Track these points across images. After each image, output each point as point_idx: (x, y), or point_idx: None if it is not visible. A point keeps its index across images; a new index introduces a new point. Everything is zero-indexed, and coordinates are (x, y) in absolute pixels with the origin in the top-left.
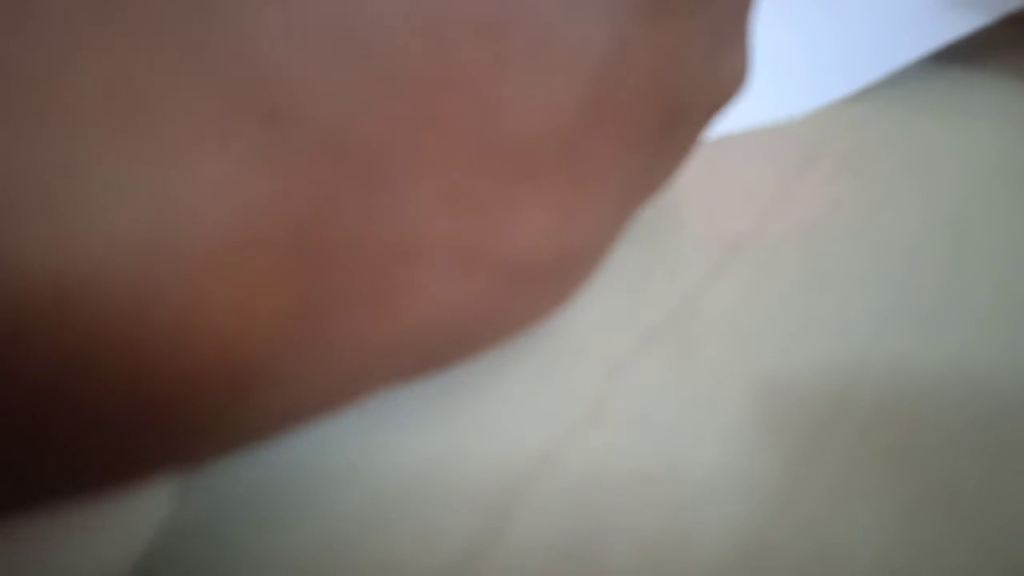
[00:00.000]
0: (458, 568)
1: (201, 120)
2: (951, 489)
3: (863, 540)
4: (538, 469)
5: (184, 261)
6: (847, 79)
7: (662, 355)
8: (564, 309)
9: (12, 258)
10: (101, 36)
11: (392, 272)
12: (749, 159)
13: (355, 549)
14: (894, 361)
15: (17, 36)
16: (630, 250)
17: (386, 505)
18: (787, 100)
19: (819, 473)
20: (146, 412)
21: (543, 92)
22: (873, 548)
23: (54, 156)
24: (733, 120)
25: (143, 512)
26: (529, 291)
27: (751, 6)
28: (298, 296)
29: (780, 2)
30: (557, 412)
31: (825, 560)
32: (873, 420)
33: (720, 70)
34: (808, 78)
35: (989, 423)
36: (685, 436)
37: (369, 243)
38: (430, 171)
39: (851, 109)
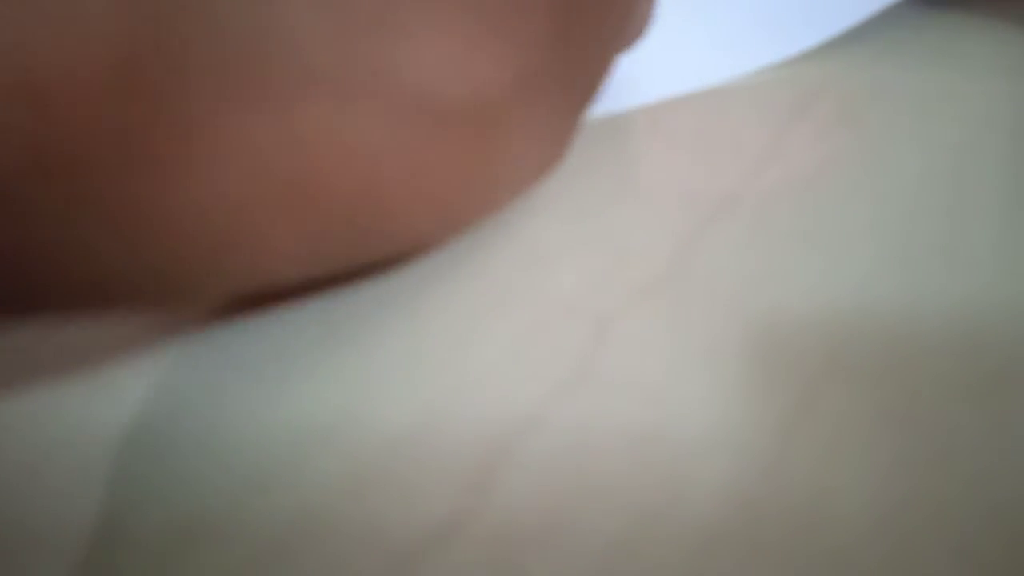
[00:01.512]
0: (440, 535)
1: None
2: (947, 445)
3: (858, 498)
4: (523, 431)
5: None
6: (835, 18)
7: (651, 312)
8: (502, 201)
9: None
10: None
11: (281, 104)
12: (738, 111)
13: (333, 517)
14: (890, 315)
15: None
16: (616, 205)
17: (365, 471)
18: (776, 43)
19: (812, 430)
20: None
21: None
22: (868, 506)
23: None
24: (721, 68)
25: (127, 382)
26: (445, 141)
27: None
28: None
29: None
30: (542, 372)
31: (818, 518)
32: (868, 375)
33: None
34: (794, 18)
35: (987, 377)
36: (675, 395)
37: (250, 67)
38: None
39: (843, 57)
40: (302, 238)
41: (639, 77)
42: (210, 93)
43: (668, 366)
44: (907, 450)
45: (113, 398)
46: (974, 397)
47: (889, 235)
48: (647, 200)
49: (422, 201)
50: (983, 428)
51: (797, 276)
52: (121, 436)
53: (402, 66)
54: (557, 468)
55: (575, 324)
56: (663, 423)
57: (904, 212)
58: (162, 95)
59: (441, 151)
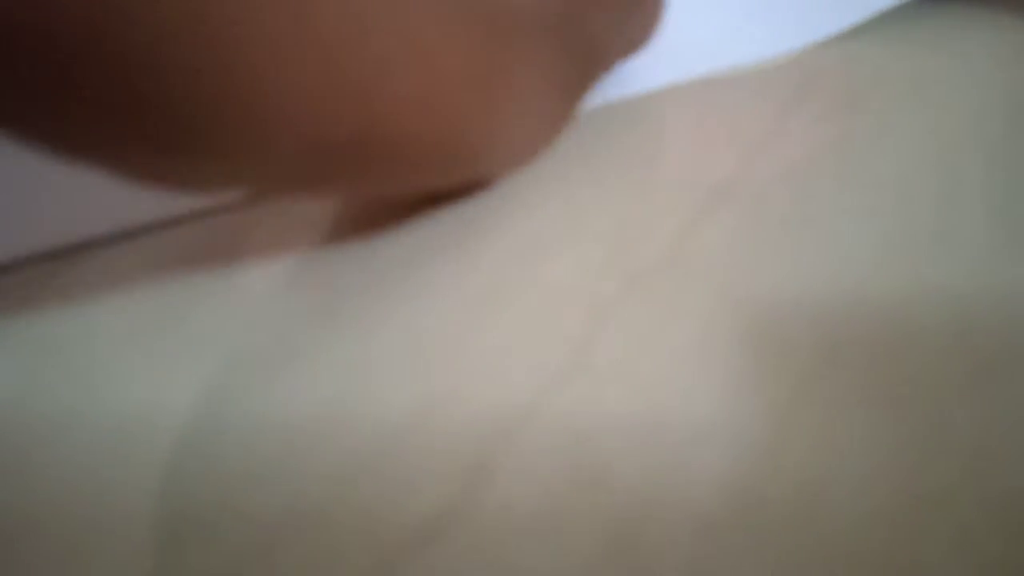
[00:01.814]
0: (435, 526)
1: None
2: (941, 431)
3: (853, 486)
4: (519, 421)
5: None
6: (838, 16)
7: (647, 301)
8: (546, 144)
9: None
10: None
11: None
12: (736, 100)
13: (327, 508)
14: (885, 303)
15: None
16: (613, 194)
17: (359, 462)
18: (777, 37)
19: (808, 418)
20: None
21: None
22: (863, 494)
23: None
24: (721, 58)
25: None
26: (505, 55)
27: None
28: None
29: None
30: (538, 362)
31: (815, 506)
32: (864, 362)
33: None
34: (798, 15)
35: (981, 363)
36: (671, 384)
37: None
38: None
39: (840, 46)
40: (391, 160)
41: (640, 65)
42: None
43: (664, 355)
44: (902, 437)
45: (106, 391)
46: (968, 384)
47: (885, 223)
48: (644, 188)
49: (487, 125)
50: (977, 415)
51: (793, 264)
52: (112, 428)
53: None
54: (552, 458)
55: (570, 313)
56: (659, 412)
57: (901, 200)
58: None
59: (501, 60)
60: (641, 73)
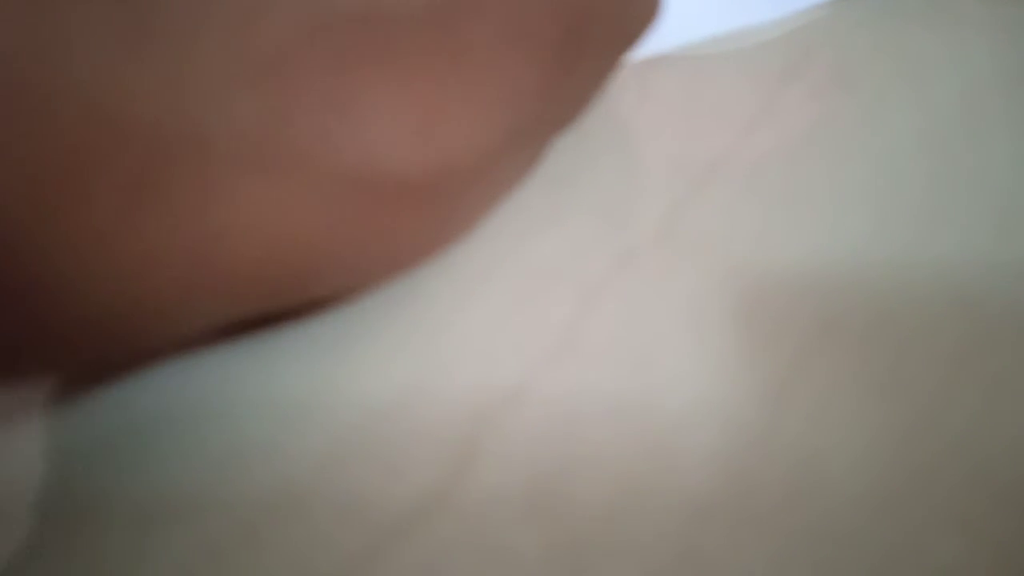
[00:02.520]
0: (423, 509)
1: None
2: (936, 408)
3: (847, 464)
4: (507, 402)
5: None
6: None
7: (637, 279)
8: (459, 239)
9: None
10: None
11: (199, 200)
12: (726, 77)
13: (313, 491)
14: (880, 279)
15: None
16: (602, 170)
17: (346, 444)
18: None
19: (802, 396)
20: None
21: None
22: (857, 472)
23: None
24: (709, 27)
25: (32, 440)
26: (395, 217)
27: None
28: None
29: None
30: (526, 341)
31: (808, 485)
32: (858, 340)
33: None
34: None
35: (978, 340)
36: (662, 363)
37: (130, 121)
38: (218, 41)
39: (835, 20)
40: (228, 307)
41: None
42: (98, 203)
43: (655, 334)
44: (897, 414)
45: None
46: (964, 360)
47: (881, 198)
48: (634, 165)
49: (360, 264)
50: (971, 390)
51: (787, 240)
52: (95, 409)
53: (345, 144)
54: (542, 440)
55: (560, 292)
56: (650, 392)
57: (896, 175)
58: (63, 211)
59: (389, 221)
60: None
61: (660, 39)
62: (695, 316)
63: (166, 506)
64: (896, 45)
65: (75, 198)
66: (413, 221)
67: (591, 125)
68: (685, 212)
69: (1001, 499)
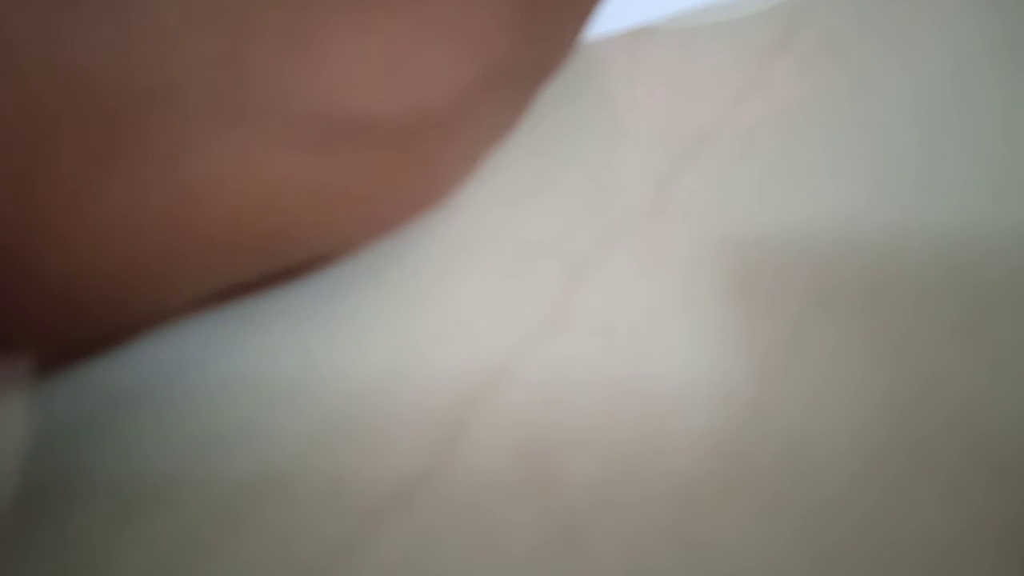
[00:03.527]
0: (408, 489)
1: None
2: (933, 381)
3: (843, 442)
4: (494, 380)
5: None
6: None
7: (627, 254)
8: (441, 198)
9: None
10: None
11: (165, 157)
12: (716, 48)
13: (297, 472)
14: (874, 249)
15: None
16: (591, 143)
17: (330, 425)
18: None
19: (797, 373)
20: None
21: None
22: (853, 450)
23: None
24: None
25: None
26: (372, 165)
27: None
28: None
29: None
30: (514, 318)
31: (803, 467)
32: (854, 313)
33: None
34: None
35: (974, 309)
36: (653, 340)
37: (91, 77)
38: None
39: None
40: (210, 272)
41: (616, 2)
42: (65, 165)
43: (646, 309)
44: (893, 389)
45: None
46: (961, 330)
47: (874, 168)
48: (624, 136)
49: (343, 221)
50: (970, 362)
51: (780, 211)
52: (74, 388)
53: (310, 88)
54: (530, 419)
55: (548, 267)
56: (640, 369)
57: (890, 145)
58: (30, 175)
59: (366, 170)
60: (617, 11)
61: (648, 10)
62: (686, 290)
63: (145, 489)
64: (885, 16)
65: (43, 160)
66: (392, 169)
67: (579, 97)
68: (675, 184)
69: (999, 474)
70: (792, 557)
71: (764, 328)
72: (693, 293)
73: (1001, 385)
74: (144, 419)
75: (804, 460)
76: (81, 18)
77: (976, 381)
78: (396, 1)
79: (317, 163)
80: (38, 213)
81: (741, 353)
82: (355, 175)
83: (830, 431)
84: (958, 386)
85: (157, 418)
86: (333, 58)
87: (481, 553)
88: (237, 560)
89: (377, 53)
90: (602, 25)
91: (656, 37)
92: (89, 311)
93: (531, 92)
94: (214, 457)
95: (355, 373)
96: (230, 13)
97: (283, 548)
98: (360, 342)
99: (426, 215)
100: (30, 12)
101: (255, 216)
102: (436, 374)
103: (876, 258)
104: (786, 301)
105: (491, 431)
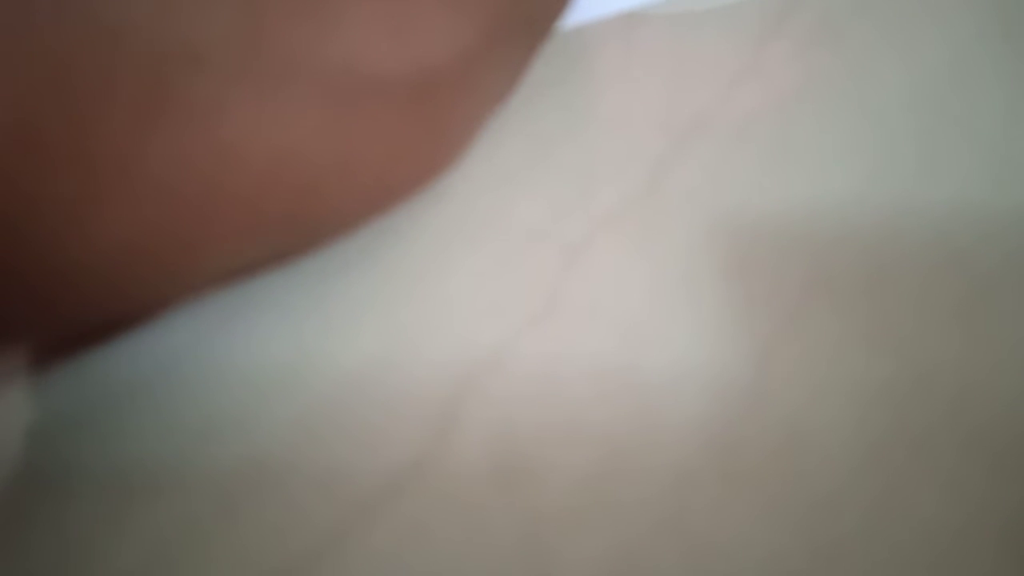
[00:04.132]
0: (402, 479)
1: None
2: (931, 367)
3: (840, 431)
4: (487, 368)
5: None
6: None
7: (623, 239)
8: (448, 163)
9: None
10: None
11: (193, 119)
12: (710, 33)
13: (289, 462)
14: (870, 235)
15: None
16: (585, 127)
17: (322, 414)
18: None
19: (794, 361)
20: None
21: None
22: (850, 440)
23: None
24: None
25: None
26: (386, 118)
27: None
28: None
29: None
30: (507, 306)
31: (801, 458)
32: (850, 298)
33: None
34: None
35: (971, 294)
36: (648, 326)
37: (123, 47)
38: None
39: None
40: (239, 240)
41: None
42: (112, 128)
43: (641, 295)
44: (893, 377)
45: None
46: (960, 315)
47: (871, 153)
48: (618, 121)
49: (364, 181)
50: (968, 347)
51: (775, 197)
52: (69, 382)
53: (326, 48)
54: (524, 406)
55: (542, 254)
56: (635, 355)
57: (886, 129)
58: (62, 144)
59: (382, 129)
60: None
61: None
62: (682, 277)
63: (139, 478)
64: (880, 0)
65: (94, 121)
66: (404, 129)
67: (572, 82)
68: (670, 169)
69: (1000, 462)
70: (791, 550)
71: (761, 315)
72: (689, 280)
73: (1001, 370)
74: (138, 409)
75: (802, 451)
76: None
77: (976, 366)
78: None
79: (336, 121)
80: (92, 169)
81: (738, 341)
82: (371, 133)
83: (829, 420)
84: (958, 373)
85: (150, 408)
86: (344, 20)
87: (473, 543)
88: (230, 549)
89: (384, 14)
90: (596, 9)
91: (650, 21)
92: (118, 289)
93: (530, 52)
94: (207, 446)
95: (347, 361)
96: None
97: (276, 537)
98: (351, 330)
99: (435, 183)
100: None
101: (282, 174)
102: (428, 363)
103: (873, 243)
104: (783, 288)
105: (484, 420)
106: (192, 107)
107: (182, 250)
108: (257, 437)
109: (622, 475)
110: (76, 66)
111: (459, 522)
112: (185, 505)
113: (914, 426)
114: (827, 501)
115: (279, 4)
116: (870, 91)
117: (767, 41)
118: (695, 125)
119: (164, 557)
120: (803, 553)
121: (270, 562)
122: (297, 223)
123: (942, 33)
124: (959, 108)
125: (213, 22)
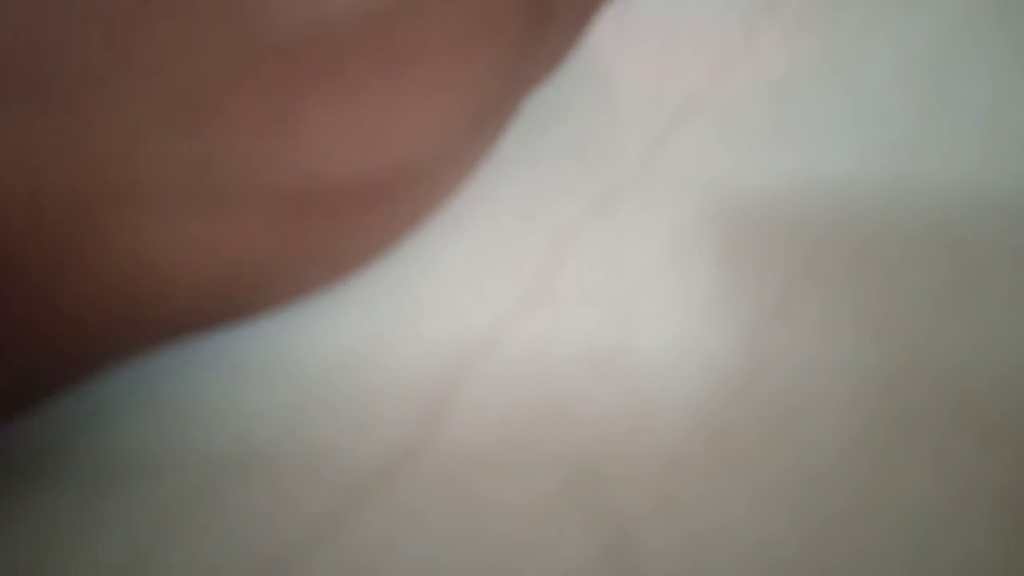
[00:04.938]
0: (392, 464)
1: None
2: (923, 347)
3: (832, 413)
4: (479, 353)
5: None
6: None
7: (614, 221)
8: (417, 230)
9: None
10: None
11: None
12: (702, 11)
13: (277, 447)
14: (864, 214)
15: None
16: (578, 110)
17: (311, 399)
18: None
19: (786, 341)
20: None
21: None
22: (842, 422)
23: None
24: None
25: None
26: (349, 219)
27: None
28: None
29: None
30: (498, 289)
31: (793, 437)
32: (842, 278)
33: None
34: None
35: (965, 275)
36: (641, 308)
37: (50, 184)
38: (127, 87)
39: None
40: (168, 322)
41: None
42: (35, 272)
43: (632, 278)
44: (883, 355)
45: None
46: (949, 295)
47: (862, 132)
48: (611, 104)
49: (319, 272)
50: (957, 328)
51: (769, 176)
52: None
53: (286, 162)
54: (515, 390)
55: (534, 237)
56: (626, 339)
57: (878, 108)
58: None
59: (344, 225)
60: None
61: None
62: (674, 258)
63: (125, 465)
64: None
65: (9, 264)
66: (371, 218)
67: (566, 65)
68: (663, 151)
69: (989, 437)
70: (782, 529)
71: (753, 296)
72: (681, 262)
73: (989, 346)
74: (122, 395)
75: (794, 431)
76: (43, 119)
77: (965, 346)
78: (380, 72)
79: (293, 230)
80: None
81: (728, 321)
82: (333, 233)
83: (820, 400)
84: (947, 349)
85: (135, 394)
86: (309, 133)
87: (465, 528)
88: (219, 536)
89: (358, 127)
90: None
91: (642, 2)
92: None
93: (516, 109)
94: (195, 432)
95: (338, 346)
96: (199, 103)
97: (266, 524)
98: (342, 314)
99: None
100: None
101: (225, 281)
102: (420, 347)
103: (864, 221)
104: (775, 268)
105: (476, 404)
106: (121, 242)
107: (121, 319)
108: (245, 421)
109: (614, 458)
110: None
111: (451, 507)
112: (172, 491)
113: (904, 406)
114: (819, 480)
115: (237, 126)
116: (861, 69)
117: (759, 20)
118: (688, 106)
119: (149, 544)
120: (795, 533)
121: (259, 549)
122: (238, 308)
123: (933, 13)
124: (950, 86)
125: (157, 152)
